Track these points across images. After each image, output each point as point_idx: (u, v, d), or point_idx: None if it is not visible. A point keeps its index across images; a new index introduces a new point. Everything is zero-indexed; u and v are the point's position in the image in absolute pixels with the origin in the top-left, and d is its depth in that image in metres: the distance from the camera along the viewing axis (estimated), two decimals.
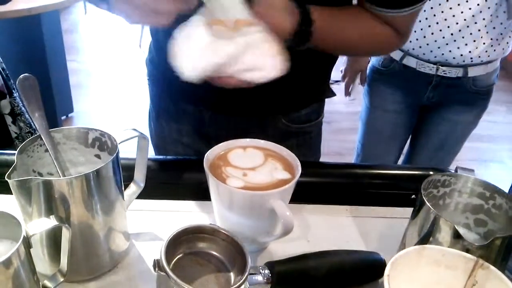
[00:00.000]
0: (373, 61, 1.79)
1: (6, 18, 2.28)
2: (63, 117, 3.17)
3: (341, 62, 1.95)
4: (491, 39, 1.52)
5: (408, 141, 1.94)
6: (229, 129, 0.97)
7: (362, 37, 0.82)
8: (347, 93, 1.99)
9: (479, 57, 1.56)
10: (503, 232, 0.62)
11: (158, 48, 0.97)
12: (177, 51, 0.64)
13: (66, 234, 0.55)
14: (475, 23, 1.49)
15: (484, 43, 1.53)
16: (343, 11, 0.79)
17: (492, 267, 0.50)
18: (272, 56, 0.64)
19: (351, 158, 2.59)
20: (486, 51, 1.55)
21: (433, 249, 0.52)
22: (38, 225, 0.52)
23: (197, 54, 0.63)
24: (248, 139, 0.71)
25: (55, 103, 2.93)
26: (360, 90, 1.93)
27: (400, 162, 2.02)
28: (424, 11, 1.55)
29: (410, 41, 1.62)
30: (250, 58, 0.64)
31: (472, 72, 1.60)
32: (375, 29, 0.80)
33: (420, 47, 1.61)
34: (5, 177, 0.52)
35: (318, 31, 0.71)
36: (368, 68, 1.84)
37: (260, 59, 0.64)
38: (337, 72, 3.99)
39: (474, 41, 1.53)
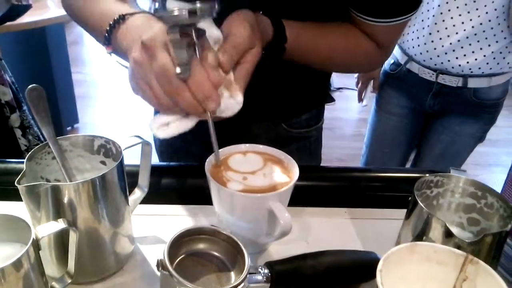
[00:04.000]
0: (385, 65, 1.82)
1: (12, 31, 2.32)
2: (69, 128, 3.21)
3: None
4: (492, 52, 1.52)
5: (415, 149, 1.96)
6: (231, 135, 0.99)
7: (343, 51, 0.83)
8: (360, 99, 2.02)
9: (479, 68, 1.56)
10: (495, 230, 0.64)
11: None
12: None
13: (73, 237, 0.57)
14: (475, 34, 1.50)
15: (484, 55, 1.53)
16: (324, 26, 0.80)
17: (481, 263, 0.52)
18: (234, 98, 0.65)
19: (353, 165, 2.60)
20: (487, 63, 1.55)
21: (424, 246, 0.54)
22: (47, 228, 0.54)
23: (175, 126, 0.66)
24: (247, 144, 0.73)
25: (61, 114, 2.97)
26: (372, 97, 1.96)
27: None
28: (428, 18, 1.57)
29: (413, 47, 1.65)
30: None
31: (473, 83, 1.60)
32: (356, 43, 0.82)
33: (421, 53, 1.63)
34: (15, 183, 0.55)
35: (293, 47, 0.74)
36: (381, 72, 1.87)
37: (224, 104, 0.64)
38: (341, 79, 4.02)
39: (473, 52, 1.53)
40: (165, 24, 0.59)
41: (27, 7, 1.38)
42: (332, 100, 4.19)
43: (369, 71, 1.82)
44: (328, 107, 1.09)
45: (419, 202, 0.61)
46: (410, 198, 0.66)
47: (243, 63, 0.64)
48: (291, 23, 0.74)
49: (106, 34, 0.71)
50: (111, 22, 0.70)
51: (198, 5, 0.57)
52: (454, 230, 0.58)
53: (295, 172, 0.68)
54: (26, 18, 2.20)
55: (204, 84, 0.59)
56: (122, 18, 0.69)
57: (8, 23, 1.51)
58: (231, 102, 0.64)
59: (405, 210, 0.68)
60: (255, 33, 0.64)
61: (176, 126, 0.65)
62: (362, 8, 0.78)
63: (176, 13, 0.56)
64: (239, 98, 0.64)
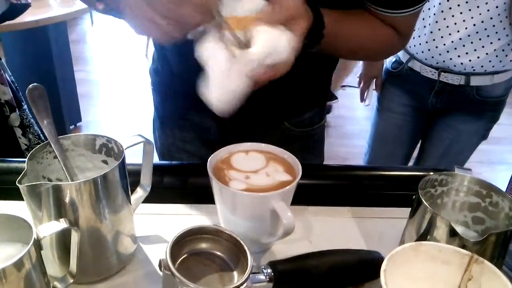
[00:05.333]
0: (386, 63, 1.82)
1: (14, 30, 2.32)
2: (71, 127, 3.21)
3: (357, 69, 1.98)
4: (495, 49, 1.51)
5: (418, 147, 1.95)
6: (233, 135, 0.98)
7: (368, 39, 0.84)
8: (362, 99, 2.01)
9: (482, 66, 1.55)
10: (500, 229, 0.63)
11: (162, 58, 0.99)
12: (204, 89, 0.63)
13: (75, 237, 0.57)
14: (477, 32, 1.49)
15: (487, 53, 1.52)
16: (350, 14, 0.80)
17: (487, 262, 0.52)
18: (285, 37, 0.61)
19: (356, 163, 2.60)
20: (490, 61, 1.54)
21: (429, 245, 0.54)
22: (49, 227, 0.54)
23: (225, 87, 0.62)
24: (250, 143, 0.73)
25: (63, 113, 2.97)
26: (375, 96, 1.95)
27: None
28: (429, 17, 1.56)
29: (415, 45, 1.64)
30: (268, 51, 0.61)
31: (475, 81, 1.59)
32: (378, 30, 0.82)
33: (423, 52, 1.62)
34: (16, 183, 0.55)
35: (328, 34, 0.73)
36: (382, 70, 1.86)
37: (275, 44, 0.61)
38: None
39: (475, 50, 1.52)
40: None
41: (26, 6, 1.37)
42: (335, 98, 4.20)
43: (386, 58, 1.80)
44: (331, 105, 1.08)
45: (423, 201, 0.61)
46: (414, 197, 0.65)
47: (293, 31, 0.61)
48: (324, 10, 0.72)
49: None
50: None
51: None
52: (459, 229, 0.58)
53: (298, 171, 0.67)
54: (28, 17, 2.20)
55: None
56: None
57: (9, 22, 1.51)
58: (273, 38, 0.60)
59: (409, 209, 0.67)
60: (304, 5, 0.63)
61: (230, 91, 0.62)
62: (378, 1, 0.78)
63: None
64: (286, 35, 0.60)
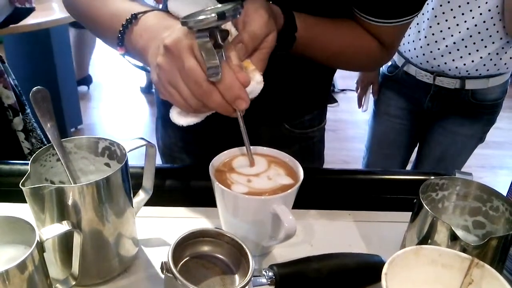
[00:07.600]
0: (383, 67, 1.83)
1: (16, 33, 2.33)
2: (72, 129, 3.22)
3: (356, 74, 1.99)
4: (489, 53, 1.52)
5: (416, 150, 1.96)
6: (235, 136, 0.99)
7: (349, 45, 0.83)
8: (360, 104, 2.02)
9: (477, 70, 1.56)
10: (501, 233, 0.64)
11: None
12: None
13: (77, 239, 0.57)
14: (470, 36, 1.50)
15: (481, 57, 1.53)
16: (328, 20, 0.80)
17: (487, 266, 0.52)
18: (253, 79, 0.65)
19: (357, 166, 2.60)
20: (484, 65, 1.55)
21: (429, 249, 0.54)
22: (51, 230, 0.54)
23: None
24: (251, 147, 0.73)
25: (64, 116, 2.98)
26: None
27: None
28: (423, 21, 1.57)
29: (410, 50, 1.65)
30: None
31: (470, 84, 1.60)
32: (361, 39, 0.82)
33: (418, 56, 1.63)
34: (19, 185, 0.55)
35: (301, 37, 0.73)
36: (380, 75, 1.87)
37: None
38: (345, 81, 4.01)
39: (470, 54, 1.53)
40: (190, 28, 0.59)
41: (30, 10, 1.37)
42: (334, 101, 4.20)
43: (372, 70, 1.82)
44: (331, 109, 1.09)
45: (424, 205, 0.61)
46: (415, 201, 0.66)
47: (260, 49, 0.64)
48: (300, 14, 0.73)
49: (119, 35, 0.70)
50: (123, 23, 0.69)
51: (226, 7, 0.57)
52: (460, 233, 0.58)
53: (300, 174, 0.68)
54: (30, 20, 2.21)
55: (234, 85, 0.60)
56: (135, 17, 0.68)
57: (12, 25, 1.51)
58: (252, 84, 0.64)
59: (409, 213, 0.67)
60: (271, 19, 0.64)
61: (194, 114, 0.67)
62: (366, 9, 0.78)
63: (204, 17, 0.56)
64: (258, 77, 0.64)
